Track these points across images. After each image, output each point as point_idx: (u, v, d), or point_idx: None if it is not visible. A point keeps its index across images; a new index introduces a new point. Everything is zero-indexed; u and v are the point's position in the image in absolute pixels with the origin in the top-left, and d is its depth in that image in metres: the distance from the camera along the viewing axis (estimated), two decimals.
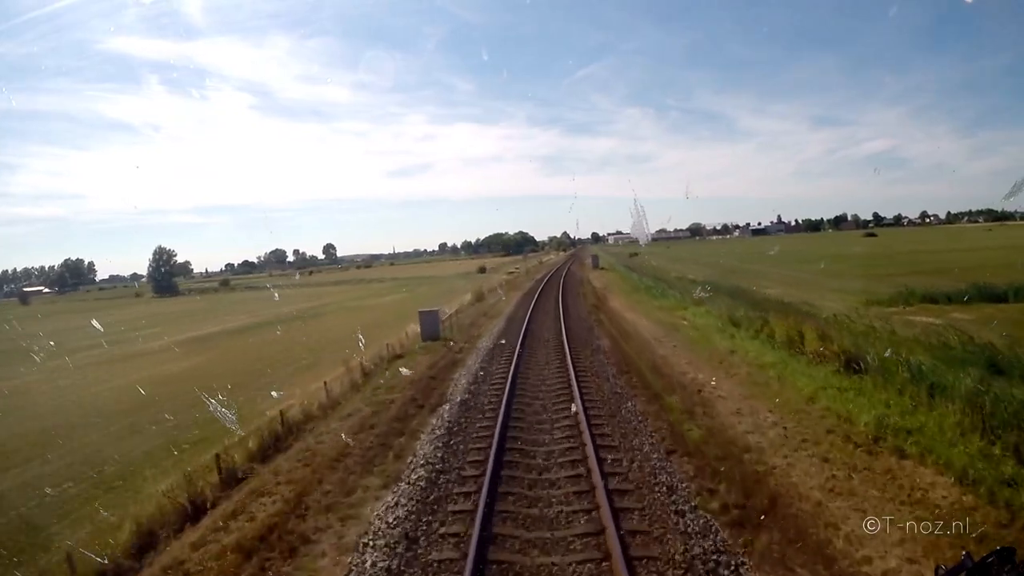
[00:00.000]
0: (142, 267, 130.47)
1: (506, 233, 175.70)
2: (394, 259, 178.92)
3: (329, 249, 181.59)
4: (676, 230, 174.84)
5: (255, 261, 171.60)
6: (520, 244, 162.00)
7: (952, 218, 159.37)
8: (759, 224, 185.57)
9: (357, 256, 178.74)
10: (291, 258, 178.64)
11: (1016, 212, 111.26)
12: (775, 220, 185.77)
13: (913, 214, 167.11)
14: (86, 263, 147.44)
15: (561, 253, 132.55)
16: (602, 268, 57.67)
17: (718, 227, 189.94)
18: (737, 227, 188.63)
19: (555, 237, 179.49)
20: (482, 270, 74.34)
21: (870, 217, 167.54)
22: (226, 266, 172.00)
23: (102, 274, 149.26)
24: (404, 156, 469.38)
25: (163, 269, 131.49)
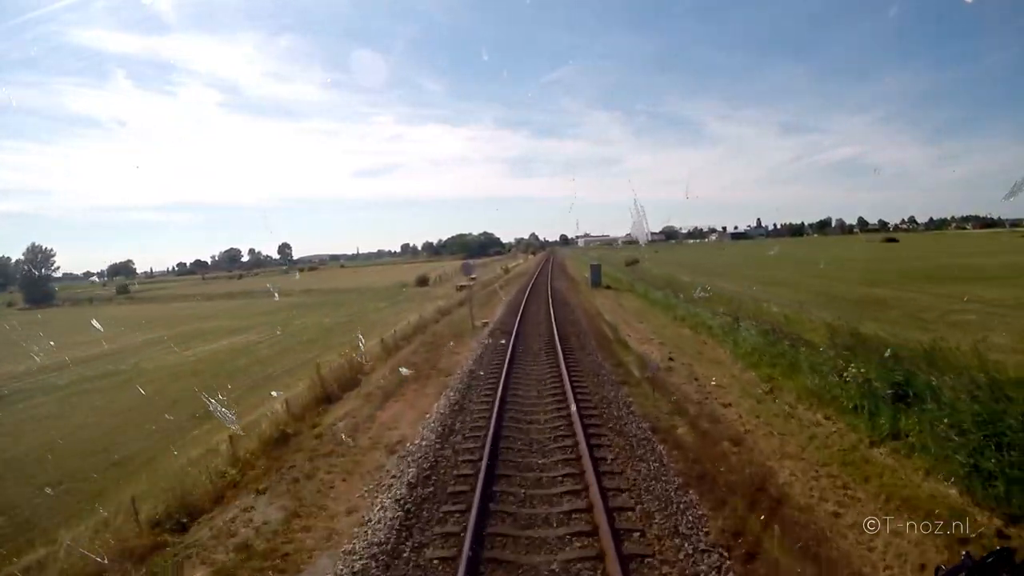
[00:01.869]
0: (96, 266, 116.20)
1: (469, 234, 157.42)
2: (349, 260, 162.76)
3: (284, 249, 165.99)
4: (651, 233, 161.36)
5: (208, 261, 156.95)
6: (484, 245, 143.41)
7: (936, 224, 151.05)
8: (735, 228, 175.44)
9: (315, 257, 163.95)
10: (246, 257, 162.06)
11: (1003, 218, 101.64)
12: (753, 224, 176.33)
13: (882, 219, 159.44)
14: (12, 261, 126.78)
15: (530, 257, 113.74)
16: (608, 287, 35.95)
17: (691, 230, 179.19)
18: (714, 230, 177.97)
19: (523, 239, 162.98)
20: (423, 282, 53.93)
21: (854, 222, 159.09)
22: (177, 265, 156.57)
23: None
24: (373, 156, 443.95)
25: (37, 272, 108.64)
